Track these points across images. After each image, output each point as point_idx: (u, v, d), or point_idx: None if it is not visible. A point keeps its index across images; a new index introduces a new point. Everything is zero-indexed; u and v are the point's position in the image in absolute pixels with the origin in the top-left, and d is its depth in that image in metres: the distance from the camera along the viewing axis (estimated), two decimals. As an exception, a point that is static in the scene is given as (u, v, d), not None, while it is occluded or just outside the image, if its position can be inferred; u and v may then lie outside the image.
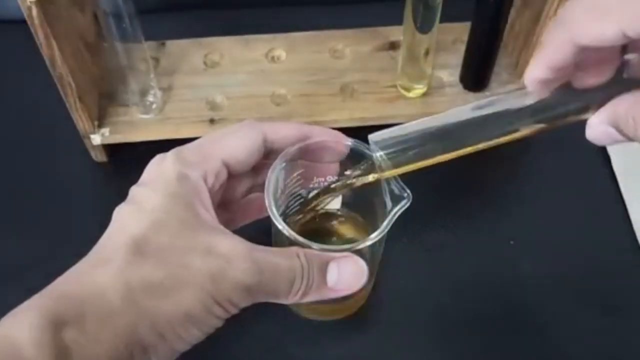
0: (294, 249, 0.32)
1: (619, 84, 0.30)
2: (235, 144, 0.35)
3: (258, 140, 0.36)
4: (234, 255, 0.30)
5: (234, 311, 0.31)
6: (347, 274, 0.33)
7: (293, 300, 0.32)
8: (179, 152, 0.34)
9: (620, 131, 0.29)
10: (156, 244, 0.30)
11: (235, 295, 0.30)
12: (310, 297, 0.32)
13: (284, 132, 0.37)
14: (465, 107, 0.33)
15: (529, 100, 0.32)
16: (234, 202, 0.39)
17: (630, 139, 0.29)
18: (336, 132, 0.38)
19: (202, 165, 0.34)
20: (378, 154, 0.34)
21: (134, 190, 0.33)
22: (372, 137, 0.34)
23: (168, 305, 0.29)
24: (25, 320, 0.27)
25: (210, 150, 0.35)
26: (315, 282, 0.32)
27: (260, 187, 0.38)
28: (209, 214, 0.33)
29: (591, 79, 0.30)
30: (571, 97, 0.31)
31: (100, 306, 0.28)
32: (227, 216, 0.38)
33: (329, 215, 0.45)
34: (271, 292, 0.31)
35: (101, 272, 0.29)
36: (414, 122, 0.33)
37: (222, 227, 0.32)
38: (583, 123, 0.31)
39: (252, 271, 0.30)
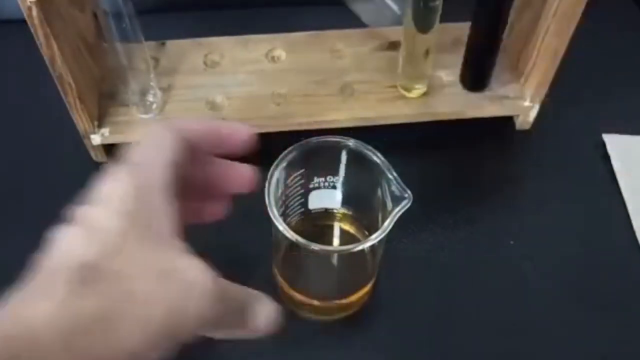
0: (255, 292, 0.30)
1: None
2: (180, 125, 0.31)
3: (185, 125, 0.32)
4: (192, 286, 0.27)
5: (184, 343, 0.28)
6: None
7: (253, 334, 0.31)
8: (131, 166, 0.30)
9: None
10: (106, 272, 0.27)
11: (188, 328, 0.27)
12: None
13: (191, 126, 0.32)
14: None
15: None
16: (202, 183, 0.34)
17: None
18: (242, 126, 0.33)
19: (156, 169, 0.30)
20: None
21: (81, 211, 0.29)
22: None
23: (111, 346, 0.26)
24: None
25: (155, 152, 0.31)
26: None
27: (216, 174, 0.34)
28: (170, 232, 0.29)
29: None
30: None
31: (33, 350, 0.25)
32: (207, 202, 0.34)
33: (329, 216, 0.45)
34: (230, 325, 0.30)
35: (39, 307, 0.26)
36: None
37: (184, 248, 0.29)
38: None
39: (210, 305, 0.27)
